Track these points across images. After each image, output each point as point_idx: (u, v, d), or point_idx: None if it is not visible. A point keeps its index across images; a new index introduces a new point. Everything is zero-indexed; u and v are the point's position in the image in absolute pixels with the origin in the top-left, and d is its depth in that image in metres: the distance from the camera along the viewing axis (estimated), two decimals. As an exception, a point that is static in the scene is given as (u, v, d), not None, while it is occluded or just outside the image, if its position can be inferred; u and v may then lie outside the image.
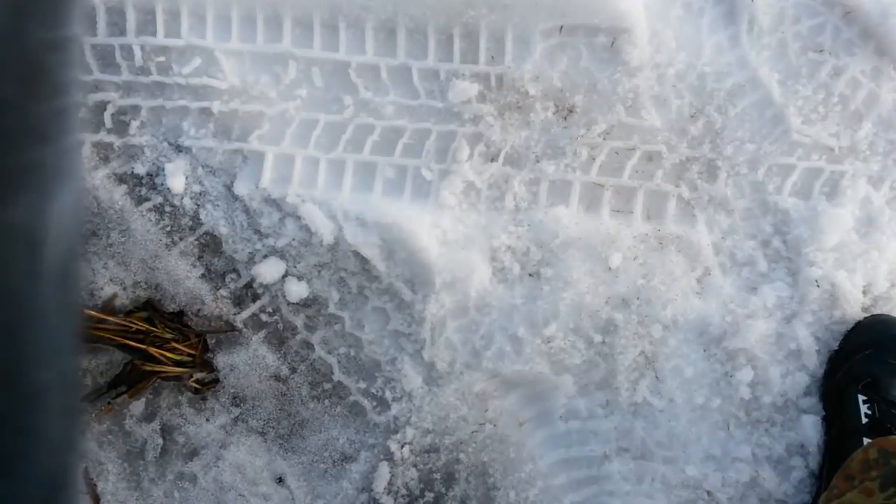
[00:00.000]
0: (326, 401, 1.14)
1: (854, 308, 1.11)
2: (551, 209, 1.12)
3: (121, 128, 1.12)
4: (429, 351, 1.11)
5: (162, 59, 1.10)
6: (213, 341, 1.14)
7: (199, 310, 1.12)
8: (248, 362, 1.13)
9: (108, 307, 1.10)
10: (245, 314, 1.13)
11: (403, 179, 1.12)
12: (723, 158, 1.13)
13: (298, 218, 1.10)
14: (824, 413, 1.11)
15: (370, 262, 1.10)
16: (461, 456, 1.13)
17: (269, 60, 1.11)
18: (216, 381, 1.14)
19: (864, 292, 1.13)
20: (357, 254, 1.10)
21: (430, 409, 1.12)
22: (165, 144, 1.12)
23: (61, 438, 0.54)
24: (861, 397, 1.05)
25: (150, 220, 1.12)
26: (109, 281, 1.11)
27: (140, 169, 1.12)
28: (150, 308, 1.12)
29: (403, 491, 1.13)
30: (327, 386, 1.14)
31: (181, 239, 1.12)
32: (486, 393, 1.13)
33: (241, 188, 1.11)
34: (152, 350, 1.09)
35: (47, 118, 0.48)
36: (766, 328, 1.11)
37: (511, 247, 1.12)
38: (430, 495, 1.13)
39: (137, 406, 1.13)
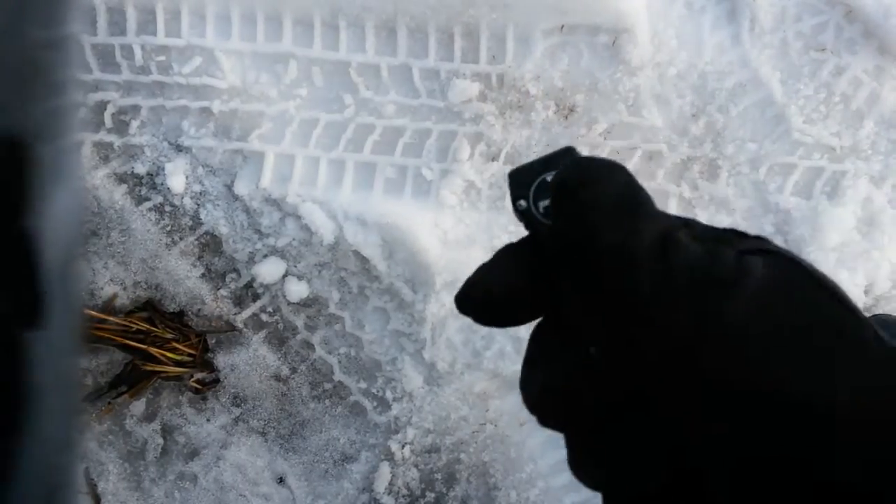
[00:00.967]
0: (327, 401, 1.14)
1: (856, 308, 1.11)
2: (552, 209, 1.11)
3: (121, 127, 1.12)
4: (429, 351, 1.11)
5: (162, 58, 1.10)
6: (214, 341, 1.14)
7: (199, 310, 1.12)
8: (248, 362, 1.13)
9: (109, 307, 1.10)
10: (245, 314, 1.13)
11: (404, 179, 1.12)
12: (724, 158, 1.13)
13: (299, 217, 1.10)
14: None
15: (371, 261, 1.09)
16: (462, 456, 1.12)
17: (270, 60, 1.11)
18: (217, 381, 1.14)
19: (866, 292, 1.12)
20: (357, 253, 1.09)
21: (430, 409, 1.12)
22: (165, 144, 1.12)
23: (60, 438, 0.54)
24: None
25: (151, 220, 1.11)
26: (110, 281, 1.11)
27: (140, 168, 1.11)
28: (150, 308, 1.12)
29: (404, 491, 1.13)
30: (328, 386, 1.14)
31: (181, 239, 1.12)
32: (487, 393, 1.13)
33: (241, 188, 1.11)
34: (153, 350, 1.09)
35: (45, 117, 0.48)
36: (768, 328, 1.10)
37: (512, 246, 1.12)
38: (431, 495, 1.13)
39: (138, 406, 1.13)
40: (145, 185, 1.12)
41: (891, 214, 1.12)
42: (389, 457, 1.13)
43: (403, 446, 1.12)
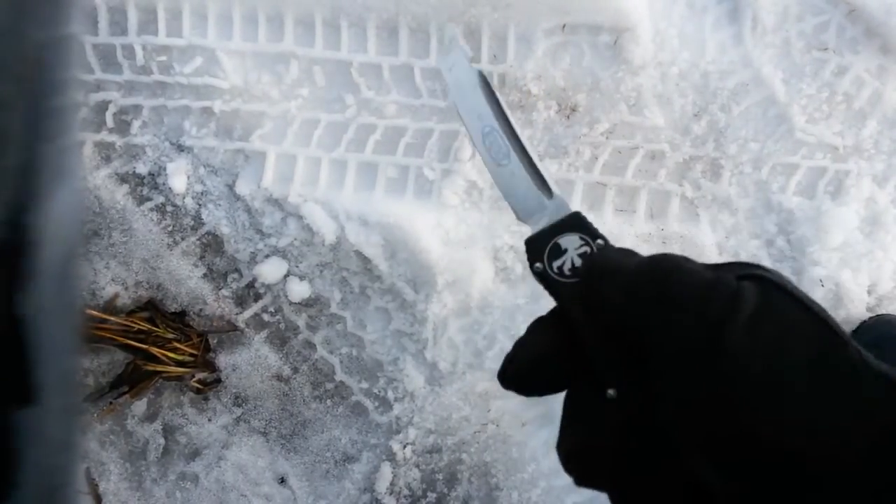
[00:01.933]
0: (329, 401, 1.14)
1: (859, 308, 1.11)
2: (554, 208, 1.11)
3: (122, 127, 1.12)
4: (431, 351, 1.11)
5: (163, 58, 1.10)
6: (215, 341, 1.14)
7: (200, 309, 1.12)
8: (250, 362, 1.13)
9: (110, 307, 1.10)
10: (247, 314, 1.13)
11: (406, 179, 1.12)
12: (726, 157, 1.13)
13: (300, 217, 1.10)
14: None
15: (372, 261, 1.09)
16: (464, 456, 1.12)
17: (271, 59, 1.11)
18: (218, 381, 1.14)
19: (869, 292, 1.12)
20: (359, 253, 1.09)
21: (432, 410, 1.12)
22: (167, 144, 1.12)
23: (62, 439, 0.54)
24: None
25: (152, 220, 1.11)
26: (111, 281, 1.11)
27: (142, 168, 1.11)
28: (151, 308, 1.12)
29: (406, 491, 1.13)
30: (329, 386, 1.14)
31: (183, 239, 1.12)
32: (489, 393, 1.12)
33: (242, 188, 1.11)
34: (154, 350, 1.09)
35: (46, 117, 0.48)
36: (770, 328, 1.10)
37: (513, 246, 1.11)
38: (432, 496, 1.13)
39: (139, 406, 1.13)
40: (147, 185, 1.12)
41: (894, 214, 1.12)
42: (391, 457, 1.12)
43: (405, 446, 1.12)
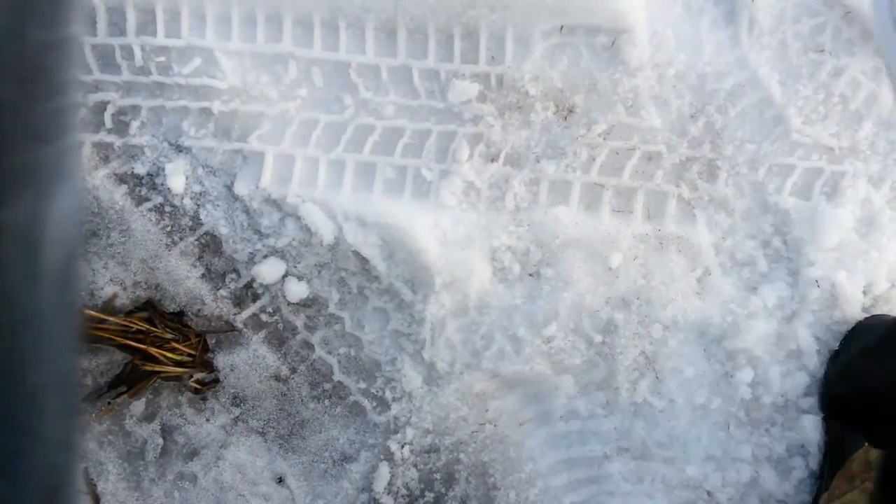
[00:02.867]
0: (326, 401, 1.14)
1: (854, 308, 1.11)
2: (551, 209, 1.12)
3: (121, 128, 1.12)
4: (429, 351, 1.11)
5: (162, 59, 1.10)
6: (214, 341, 1.14)
7: (199, 310, 1.12)
8: (248, 362, 1.13)
9: (109, 307, 1.10)
10: (245, 314, 1.13)
11: (404, 179, 1.12)
12: (723, 158, 1.13)
13: (298, 218, 1.10)
14: (824, 414, 1.11)
15: (370, 262, 1.10)
16: (461, 456, 1.13)
17: (270, 60, 1.11)
18: (216, 381, 1.14)
19: (865, 292, 1.12)
20: (357, 254, 1.10)
21: (430, 410, 1.12)
22: (166, 144, 1.12)
23: (60, 438, 0.54)
24: None
25: (151, 220, 1.12)
26: (110, 281, 1.11)
27: (140, 169, 1.12)
28: (150, 308, 1.12)
29: (404, 491, 1.13)
30: (327, 386, 1.14)
31: (181, 239, 1.12)
32: (487, 393, 1.13)
33: (241, 188, 1.11)
34: (152, 350, 1.09)
35: (46, 118, 0.48)
36: (767, 328, 1.10)
37: (511, 247, 1.12)
38: (430, 495, 1.13)
39: (137, 406, 1.13)
40: (145, 186, 1.12)
41: (889, 215, 1.13)
42: (389, 457, 1.13)
43: (403, 446, 1.12)
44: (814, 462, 1.10)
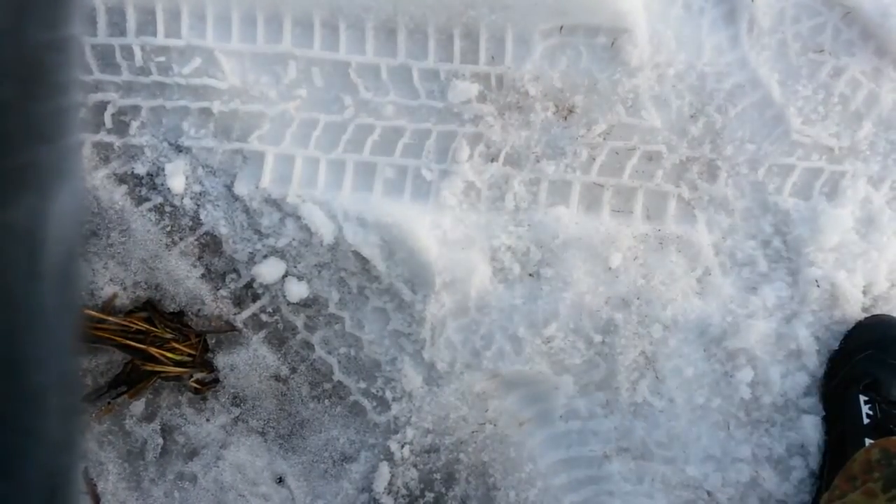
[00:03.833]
0: (326, 401, 1.14)
1: (854, 308, 1.11)
2: (551, 209, 1.12)
3: (121, 128, 1.12)
4: (429, 351, 1.11)
5: (162, 59, 1.10)
6: (214, 341, 1.14)
7: (199, 310, 1.12)
8: (248, 362, 1.13)
9: (108, 307, 1.10)
10: (245, 314, 1.13)
11: (404, 179, 1.12)
12: (723, 158, 1.13)
13: (298, 218, 1.10)
14: (825, 413, 1.11)
15: (370, 262, 1.10)
16: (461, 456, 1.13)
17: (270, 60, 1.12)
18: (216, 381, 1.14)
19: (865, 292, 1.12)
20: (357, 254, 1.10)
21: (430, 409, 1.12)
22: (165, 144, 1.12)
23: (61, 439, 0.54)
24: (863, 398, 1.05)
25: (151, 221, 1.12)
26: (109, 281, 1.11)
27: (140, 169, 1.12)
28: (150, 308, 1.12)
29: (404, 491, 1.13)
30: (327, 386, 1.14)
31: (181, 239, 1.12)
32: (487, 393, 1.13)
33: (241, 188, 1.11)
34: (152, 350, 1.09)
35: (47, 118, 0.48)
36: (767, 328, 1.11)
37: (511, 247, 1.12)
38: (430, 495, 1.13)
39: (137, 406, 1.13)
40: (145, 186, 1.12)
41: (889, 215, 1.13)
42: (389, 457, 1.13)
43: (403, 446, 1.12)
44: (814, 462, 1.10)
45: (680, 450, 1.12)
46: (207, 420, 1.14)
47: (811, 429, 1.10)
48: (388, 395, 1.13)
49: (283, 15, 1.11)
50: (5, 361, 0.48)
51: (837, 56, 1.13)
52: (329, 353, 1.14)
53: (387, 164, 1.12)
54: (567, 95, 1.11)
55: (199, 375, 1.13)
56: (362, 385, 1.14)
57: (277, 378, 1.14)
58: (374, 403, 1.14)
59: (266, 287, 1.12)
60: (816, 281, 1.11)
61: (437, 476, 1.13)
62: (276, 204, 1.11)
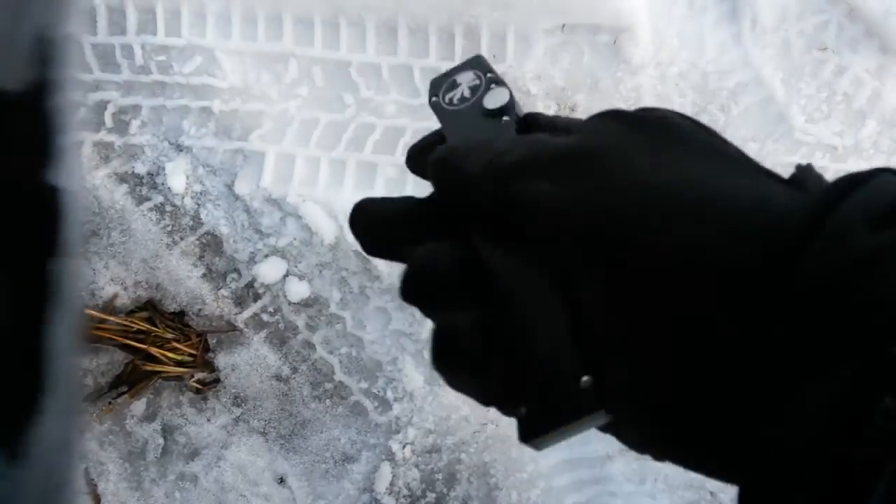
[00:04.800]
0: (328, 401, 1.14)
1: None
2: (553, 208, 1.11)
3: (121, 127, 1.12)
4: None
5: (162, 58, 1.10)
6: (215, 341, 1.13)
7: (200, 309, 1.12)
8: (249, 362, 1.13)
9: (109, 307, 1.10)
10: (246, 314, 1.13)
11: (405, 179, 1.12)
12: (726, 157, 1.13)
13: (299, 217, 1.10)
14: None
15: (371, 261, 1.09)
16: (463, 456, 1.12)
17: (270, 59, 1.11)
18: (217, 381, 1.14)
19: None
20: (358, 253, 1.09)
21: (431, 410, 1.12)
22: (166, 144, 1.12)
23: (61, 439, 0.54)
24: None
25: (151, 220, 1.11)
26: (110, 281, 1.11)
27: (141, 168, 1.11)
28: (151, 308, 1.12)
29: (405, 491, 1.13)
30: (329, 386, 1.14)
31: (182, 238, 1.12)
32: (488, 393, 1.12)
33: (241, 187, 1.11)
34: (153, 350, 1.09)
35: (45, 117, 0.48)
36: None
37: (513, 246, 1.11)
38: (431, 495, 1.13)
39: (138, 406, 1.13)
40: (146, 185, 1.12)
41: (893, 214, 1.12)
42: (390, 457, 1.12)
43: (404, 446, 1.12)
44: (817, 462, 1.10)
45: (683, 450, 1.11)
46: (208, 420, 1.14)
47: (815, 429, 1.10)
48: (390, 395, 1.13)
49: (284, 13, 1.11)
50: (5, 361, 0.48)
51: (841, 54, 1.13)
52: (330, 352, 1.13)
53: (388, 163, 1.12)
54: (569, 94, 1.11)
55: (200, 375, 1.13)
56: (364, 385, 1.14)
57: (279, 378, 1.14)
58: (376, 403, 1.14)
59: (267, 287, 1.12)
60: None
61: (439, 476, 1.13)
62: (276, 203, 1.11)
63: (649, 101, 1.12)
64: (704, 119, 1.12)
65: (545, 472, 1.12)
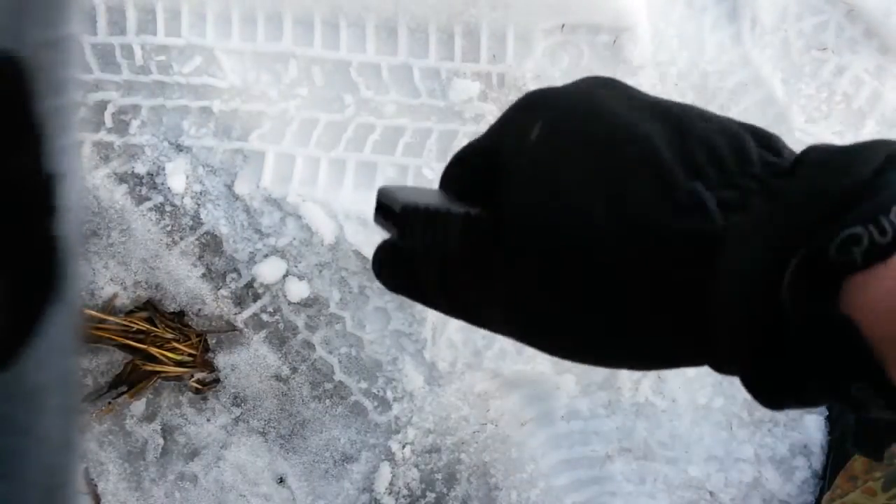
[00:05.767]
0: (327, 401, 1.14)
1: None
2: (553, 208, 1.11)
3: (121, 127, 1.12)
4: (430, 351, 1.11)
5: (162, 58, 1.10)
6: (214, 341, 1.13)
7: (199, 309, 1.12)
8: (248, 362, 1.13)
9: (109, 307, 1.10)
10: (246, 314, 1.13)
11: (405, 178, 1.12)
12: (725, 157, 1.13)
13: (299, 217, 1.10)
14: (827, 413, 1.10)
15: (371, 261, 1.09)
16: (463, 456, 1.12)
17: (270, 59, 1.11)
18: (217, 381, 1.14)
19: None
20: (358, 253, 1.09)
21: (431, 409, 1.12)
22: (166, 144, 1.11)
23: (61, 438, 0.53)
24: None
25: (151, 220, 1.11)
26: (110, 281, 1.10)
27: (140, 168, 1.11)
28: (150, 308, 1.12)
29: (405, 491, 1.13)
30: (328, 386, 1.14)
31: (182, 238, 1.12)
32: (488, 393, 1.12)
33: (241, 187, 1.11)
34: (153, 350, 1.09)
35: (45, 117, 0.48)
36: (769, 328, 1.10)
37: (513, 246, 1.11)
38: (431, 496, 1.13)
39: (138, 406, 1.13)
40: (146, 185, 1.12)
41: (892, 214, 1.12)
42: (390, 457, 1.12)
43: (404, 446, 1.12)
44: (817, 462, 1.10)
45: (682, 450, 1.11)
46: (208, 420, 1.14)
47: (814, 429, 1.10)
48: (390, 395, 1.13)
49: (284, 13, 1.11)
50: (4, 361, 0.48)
51: (840, 54, 1.13)
52: (330, 352, 1.13)
53: (388, 163, 1.12)
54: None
55: (199, 375, 1.13)
56: (363, 385, 1.13)
57: (278, 378, 1.13)
58: (376, 403, 1.14)
59: (267, 287, 1.12)
60: (819, 280, 1.10)
61: (439, 476, 1.13)
62: (276, 203, 1.11)
63: (649, 101, 1.12)
64: (704, 119, 1.12)
65: (545, 472, 1.12)
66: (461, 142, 1.10)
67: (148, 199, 1.12)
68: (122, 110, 1.12)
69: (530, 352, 1.10)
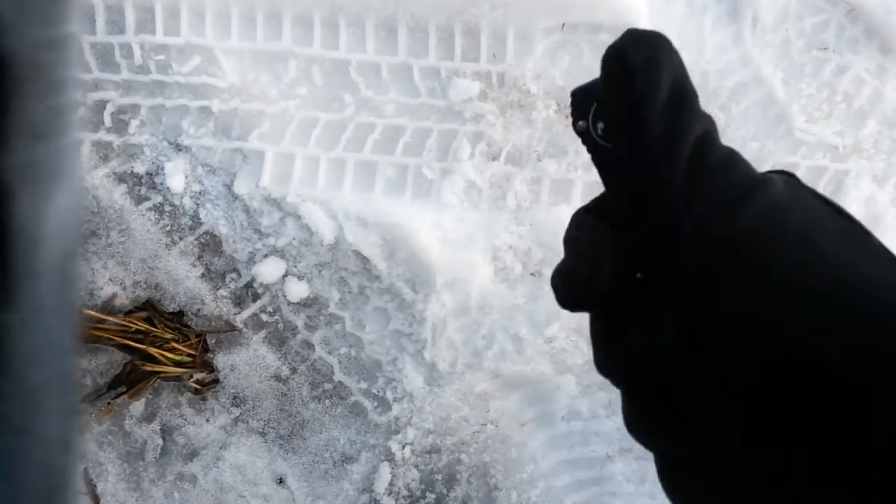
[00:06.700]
0: (327, 401, 1.14)
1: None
2: (553, 208, 1.11)
3: (120, 127, 1.12)
4: (430, 351, 1.10)
5: (161, 57, 1.10)
6: (214, 341, 1.13)
7: (199, 310, 1.12)
8: (248, 362, 1.12)
9: (108, 307, 1.10)
10: (245, 314, 1.12)
11: (404, 178, 1.12)
12: (726, 157, 1.13)
13: (299, 217, 1.09)
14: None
15: (371, 261, 1.09)
16: (462, 456, 1.12)
17: (269, 59, 1.11)
18: (216, 381, 1.13)
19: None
20: (358, 253, 1.09)
21: (431, 410, 1.11)
22: (165, 143, 1.11)
23: (60, 439, 0.53)
24: None
25: (150, 220, 1.11)
26: (109, 281, 1.10)
27: (140, 168, 1.11)
28: (149, 308, 1.12)
29: (405, 492, 1.12)
30: (328, 386, 1.14)
31: (181, 238, 1.12)
32: (488, 393, 1.12)
33: (241, 187, 1.10)
34: (152, 350, 1.09)
35: (44, 117, 0.48)
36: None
37: (513, 246, 1.11)
38: (431, 496, 1.13)
39: (137, 406, 1.13)
40: (145, 185, 1.11)
41: (893, 213, 1.12)
42: (390, 457, 1.12)
43: (404, 447, 1.12)
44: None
45: (683, 450, 1.11)
46: (207, 420, 1.14)
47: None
48: (389, 395, 1.12)
49: (283, 13, 1.11)
50: (4, 361, 0.47)
51: (841, 54, 1.13)
52: (330, 353, 1.13)
53: (387, 162, 1.12)
54: (569, 93, 1.11)
55: (198, 376, 1.12)
56: (363, 385, 1.13)
57: (278, 378, 1.13)
58: (375, 404, 1.13)
59: (266, 287, 1.12)
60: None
61: (439, 477, 1.13)
62: (276, 203, 1.10)
63: (649, 101, 1.11)
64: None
65: (545, 473, 1.12)
66: (461, 141, 1.10)
67: (147, 198, 1.12)
68: (122, 110, 1.12)
69: (531, 352, 1.10)
